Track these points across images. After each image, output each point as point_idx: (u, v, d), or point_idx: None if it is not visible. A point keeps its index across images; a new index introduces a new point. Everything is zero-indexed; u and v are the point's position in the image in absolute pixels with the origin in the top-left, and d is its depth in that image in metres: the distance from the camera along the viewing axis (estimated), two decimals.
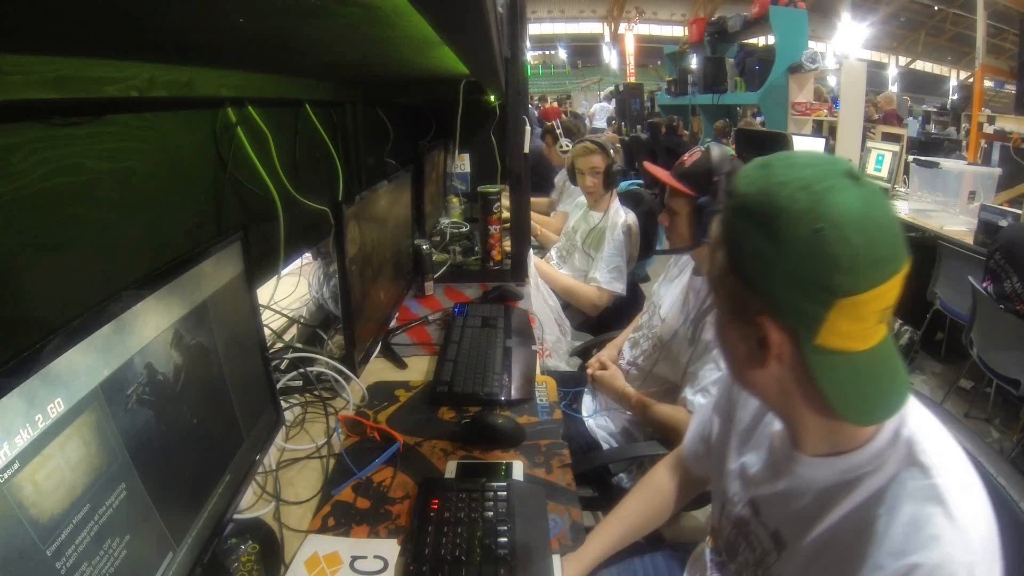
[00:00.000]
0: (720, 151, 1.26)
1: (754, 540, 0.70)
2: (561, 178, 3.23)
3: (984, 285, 2.14)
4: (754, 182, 0.53)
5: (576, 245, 2.33)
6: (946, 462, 0.54)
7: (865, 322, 0.51)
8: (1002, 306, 2.04)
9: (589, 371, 1.58)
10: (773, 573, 0.65)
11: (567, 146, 3.07)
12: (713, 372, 1.22)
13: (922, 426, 0.57)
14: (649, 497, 0.99)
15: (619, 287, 2.13)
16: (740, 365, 0.60)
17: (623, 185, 2.37)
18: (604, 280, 2.12)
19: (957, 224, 2.90)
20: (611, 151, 2.20)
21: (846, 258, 0.48)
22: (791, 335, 0.53)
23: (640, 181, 2.63)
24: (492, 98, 2.28)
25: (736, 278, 0.55)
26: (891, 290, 0.50)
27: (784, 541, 0.64)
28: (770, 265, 0.51)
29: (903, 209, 3.31)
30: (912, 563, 0.49)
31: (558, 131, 3.21)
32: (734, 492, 0.76)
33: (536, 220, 2.79)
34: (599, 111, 11.14)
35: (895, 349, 0.55)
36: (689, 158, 1.29)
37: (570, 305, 2.20)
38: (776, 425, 0.70)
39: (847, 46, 13.78)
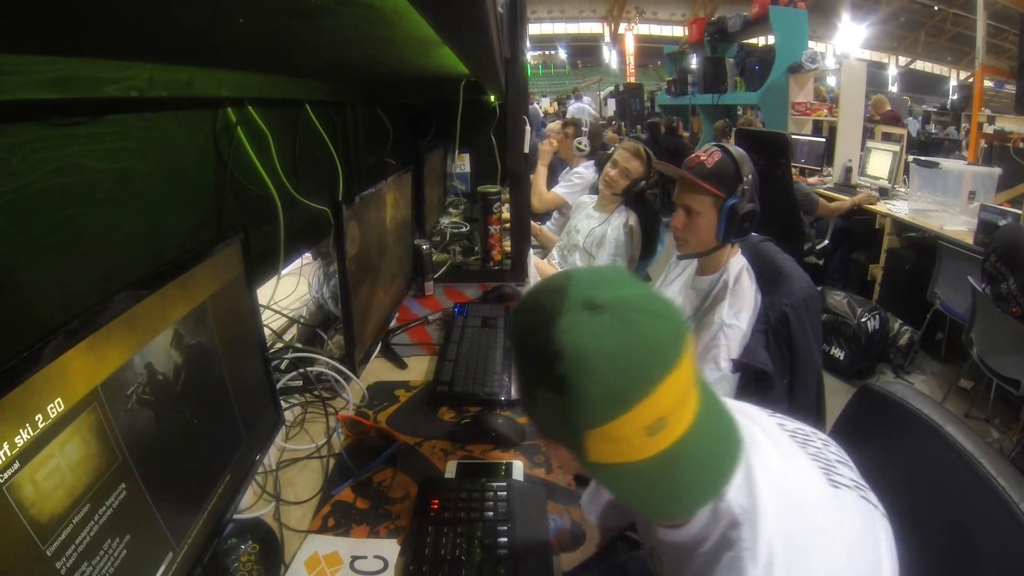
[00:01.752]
0: (739, 151, 1.26)
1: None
2: (566, 173, 3.22)
3: (983, 287, 2.14)
4: (516, 325, 0.56)
5: (577, 244, 2.33)
6: (765, 520, 0.54)
7: (627, 441, 0.50)
8: (999, 308, 2.04)
9: None
10: None
11: (584, 146, 3.04)
12: (713, 372, 1.23)
13: (752, 486, 0.56)
14: None
15: None
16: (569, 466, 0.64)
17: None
18: None
19: (957, 224, 2.90)
20: (652, 168, 2.20)
21: (577, 400, 0.48)
22: (569, 454, 0.55)
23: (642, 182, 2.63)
24: (492, 98, 2.28)
25: (527, 407, 0.58)
26: (644, 412, 0.49)
27: None
28: (529, 399, 0.55)
29: (903, 209, 3.32)
30: None
31: (584, 128, 3.15)
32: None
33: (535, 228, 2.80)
34: (576, 111, 11.03)
35: (697, 442, 0.52)
36: (709, 158, 1.26)
37: None
38: None
39: (847, 46, 13.80)
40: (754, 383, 1.19)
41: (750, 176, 1.25)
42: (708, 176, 1.25)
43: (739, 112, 6.40)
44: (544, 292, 0.54)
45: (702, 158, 1.27)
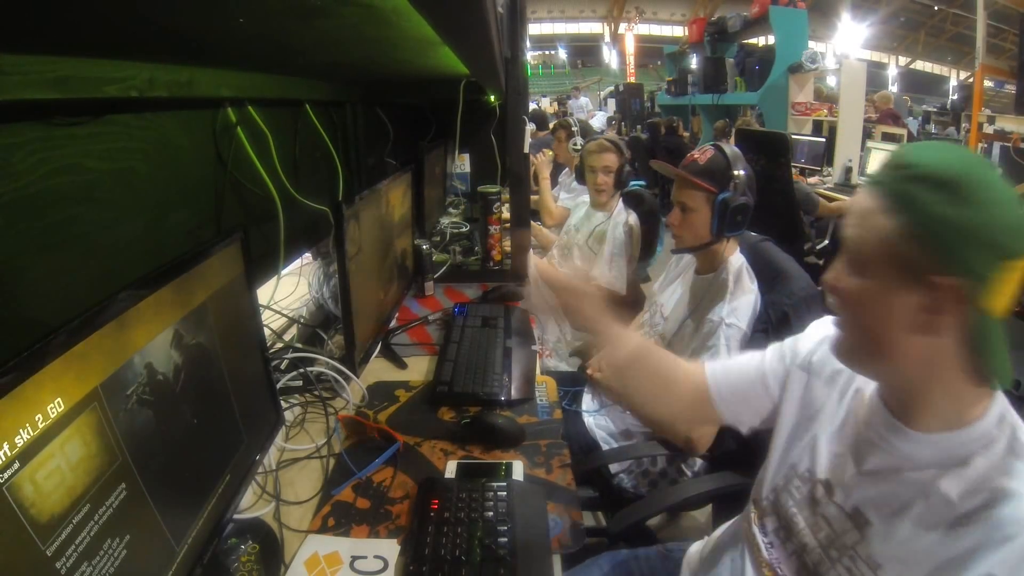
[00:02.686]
0: (732, 149, 1.29)
1: (822, 520, 0.70)
2: (565, 176, 3.22)
3: None
4: (928, 157, 0.58)
5: (577, 243, 2.33)
6: None
7: (1014, 288, 0.55)
8: None
9: (589, 371, 1.58)
10: (859, 553, 0.64)
11: (580, 146, 3.05)
12: None
13: (1018, 416, 0.60)
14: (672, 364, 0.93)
15: (619, 287, 2.13)
16: (894, 335, 0.60)
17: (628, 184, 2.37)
18: (604, 280, 2.12)
19: None
20: (624, 150, 2.20)
21: (1011, 220, 0.55)
22: (965, 296, 0.55)
23: (642, 181, 2.62)
24: (492, 98, 2.28)
25: (916, 242, 0.57)
26: None
27: (868, 520, 0.65)
28: (958, 227, 0.55)
29: None
30: None
31: (574, 128, 3.14)
32: (804, 468, 0.75)
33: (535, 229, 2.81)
34: (576, 110, 11.06)
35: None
36: (702, 156, 1.31)
37: None
38: (862, 400, 0.72)
39: (847, 46, 13.79)
40: None
41: (742, 172, 1.27)
42: (700, 172, 1.29)
43: (743, 113, 6.40)
44: (953, 145, 0.63)
45: (695, 156, 1.33)
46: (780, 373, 0.84)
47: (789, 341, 0.85)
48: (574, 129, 3.11)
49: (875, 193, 0.61)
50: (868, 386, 0.72)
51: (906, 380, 0.63)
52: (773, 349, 0.87)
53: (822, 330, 0.81)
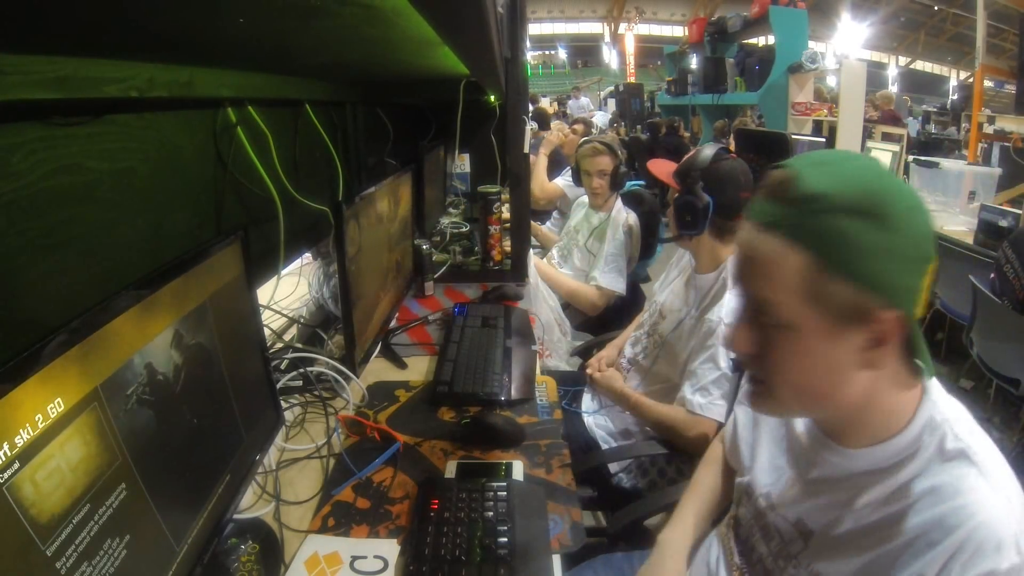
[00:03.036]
0: (712, 151, 1.30)
1: (771, 531, 0.71)
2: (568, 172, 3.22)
3: (992, 277, 2.14)
4: (834, 182, 0.53)
5: (577, 244, 2.33)
6: (979, 442, 0.57)
7: (928, 285, 0.55)
8: (1004, 299, 2.04)
9: (588, 371, 1.58)
10: (802, 561, 0.65)
11: None
12: (713, 371, 1.23)
13: (952, 412, 0.59)
14: (718, 471, 0.96)
15: (619, 287, 2.13)
16: (835, 379, 0.57)
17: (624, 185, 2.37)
18: (604, 280, 2.12)
19: (957, 224, 2.90)
20: (619, 152, 2.20)
21: (928, 226, 0.54)
22: (902, 316, 0.54)
23: (642, 182, 2.63)
24: (492, 98, 2.28)
25: (848, 281, 0.52)
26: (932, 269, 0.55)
27: (810, 530, 0.65)
28: (886, 253, 0.52)
29: None
30: (963, 532, 0.51)
31: (594, 130, 3.16)
32: (755, 480, 0.77)
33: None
34: (575, 110, 11.13)
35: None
36: (686, 157, 1.36)
37: (570, 305, 2.20)
38: (798, 426, 0.72)
39: (847, 46, 13.79)
40: None
41: (699, 172, 1.28)
42: (675, 173, 1.35)
43: (742, 113, 6.40)
44: (840, 157, 0.58)
45: (685, 158, 1.39)
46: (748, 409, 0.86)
47: None
48: (593, 130, 3.12)
49: (778, 237, 0.54)
50: None
51: (844, 413, 0.62)
52: None
53: None
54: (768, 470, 0.76)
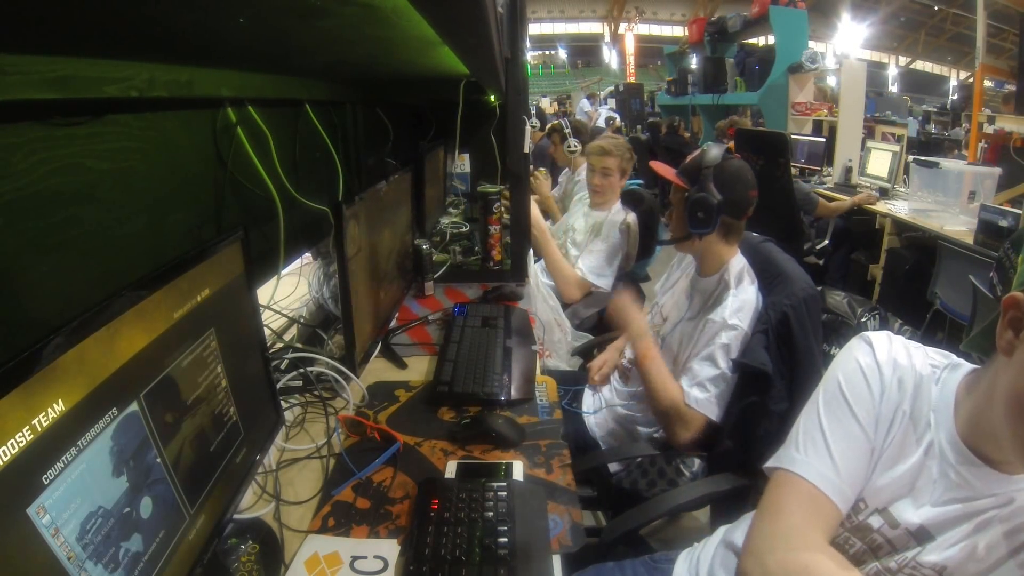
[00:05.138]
0: (718, 150, 1.29)
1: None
2: (566, 177, 3.23)
3: (991, 275, 2.14)
4: None
5: (573, 240, 2.33)
6: None
7: None
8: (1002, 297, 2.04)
9: (591, 373, 1.58)
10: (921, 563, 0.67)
11: (575, 146, 3.06)
12: (711, 369, 1.23)
13: None
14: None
15: (601, 283, 2.13)
16: None
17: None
18: (587, 270, 2.12)
19: (957, 224, 2.90)
20: (629, 156, 2.23)
21: None
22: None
23: (640, 181, 2.63)
24: (492, 98, 2.28)
25: None
26: None
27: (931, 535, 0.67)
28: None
29: (903, 209, 3.32)
30: None
31: (566, 130, 3.18)
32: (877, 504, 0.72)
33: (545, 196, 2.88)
34: (581, 112, 11.15)
35: None
36: (690, 156, 1.37)
37: (570, 305, 2.20)
38: (942, 435, 0.69)
39: (847, 46, 13.79)
40: (753, 383, 1.19)
41: (711, 169, 1.26)
42: (681, 172, 1.35)
43: (739, 113, 6.40)
44: None
45: (688, 157, 1.40)
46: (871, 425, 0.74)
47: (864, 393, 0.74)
48: (566, 132, 3.15)
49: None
50: (942, 431, 0.70)
51: None
52: (861, 412, 0.73)
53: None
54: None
